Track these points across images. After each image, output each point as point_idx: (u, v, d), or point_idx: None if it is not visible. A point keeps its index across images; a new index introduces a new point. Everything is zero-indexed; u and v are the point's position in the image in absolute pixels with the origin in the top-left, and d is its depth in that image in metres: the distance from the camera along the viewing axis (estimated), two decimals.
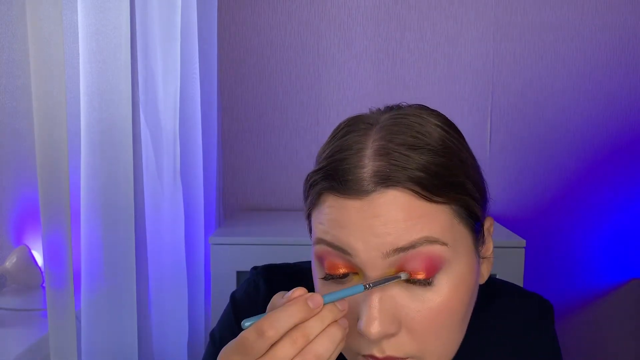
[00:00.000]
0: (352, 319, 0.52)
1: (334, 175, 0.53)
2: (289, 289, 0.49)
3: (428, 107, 0.59)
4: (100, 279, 1.01)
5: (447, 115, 0.59)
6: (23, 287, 1.24)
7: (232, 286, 1.37)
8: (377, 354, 0.53)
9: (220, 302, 1.38)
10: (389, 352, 0.52)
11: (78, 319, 0.98)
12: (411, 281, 0.51)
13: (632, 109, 1.81)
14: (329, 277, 0.54)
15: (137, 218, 1.10)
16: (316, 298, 0.46)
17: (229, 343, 0.47)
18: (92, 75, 0.97)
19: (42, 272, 1.25)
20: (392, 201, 0.50)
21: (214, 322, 1.37)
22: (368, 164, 0.52)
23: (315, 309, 0.46)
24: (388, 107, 0.60)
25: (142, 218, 1.14)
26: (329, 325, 0.46)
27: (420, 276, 0.51)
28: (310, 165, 0.59)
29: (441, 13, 1.77)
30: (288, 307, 0.45)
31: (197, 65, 1.31)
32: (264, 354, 0.45)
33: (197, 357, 1.33)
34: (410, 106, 0.60)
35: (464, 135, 0.59)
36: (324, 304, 0.47)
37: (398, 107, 0.59)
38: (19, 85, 1.21)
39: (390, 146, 0.52)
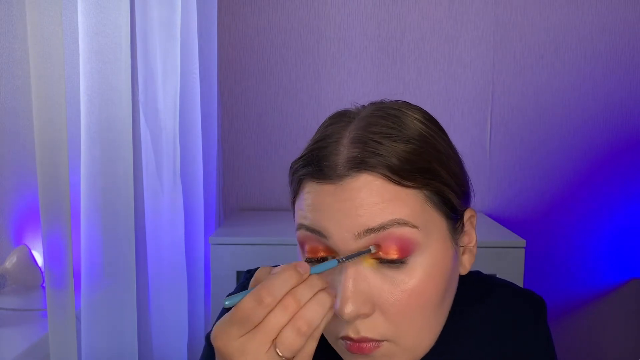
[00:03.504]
0: None
1: (312, 162, 0.56)
2: None
3: (410, 103, 0.61)
4: (100, 279, 1.01)
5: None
6: (23, 287, 1.24)
7: (232, 286, 1.37)
8: (352, 335, 0.54)
9: (220, 302, 1.38)
10: (364, 333, 0.54)
11: (78, 319, 0.98)
12: (385, 262, 0.53)
13: (632, 109, 1.81)
14: (309, 261, 0.56)
15: (137, 218, 1.10)
16: (303, 264, 0.48)
17: (224, 317, 0.47)
18: (92, 75, 0.97)
19: (42, 272, 1.25)
20: (364, 185, 0.53)
21: (213, 322, 1.37)
22: (343, 151, 0.54)
23: (305, 275, 0.47)
24: (371, 103, 0.62)
25: (142, 218, 1.14)
26: (318, 292, 0.47)
27: (394, 256, 0.53)
28: None
29: (441, 13, 1.77)
30: (280, 274, 0.46)
31: (197, 65, 1.31)
32: (258, 324, 0.45)
33: (196, 357, 1.33)
34: (392, 101, 0.62)
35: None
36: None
37: (380, 102, 0.62)
38: (19, 85, 1.21)
39: (366, 134, 0.55)
